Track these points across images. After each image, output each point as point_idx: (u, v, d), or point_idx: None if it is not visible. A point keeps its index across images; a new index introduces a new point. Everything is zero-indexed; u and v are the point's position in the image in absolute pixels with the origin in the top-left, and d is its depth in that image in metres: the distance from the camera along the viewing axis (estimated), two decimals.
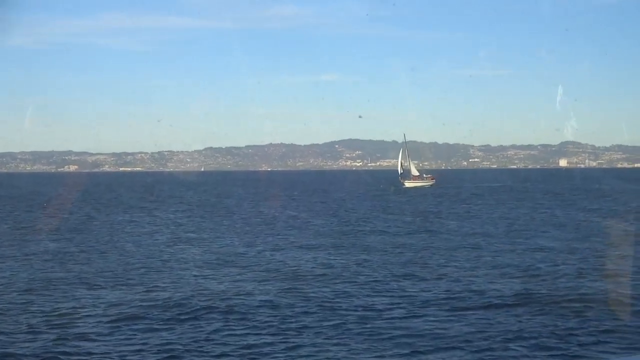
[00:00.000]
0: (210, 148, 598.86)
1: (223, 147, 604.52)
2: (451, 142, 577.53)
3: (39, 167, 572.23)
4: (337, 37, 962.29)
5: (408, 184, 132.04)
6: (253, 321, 22.49)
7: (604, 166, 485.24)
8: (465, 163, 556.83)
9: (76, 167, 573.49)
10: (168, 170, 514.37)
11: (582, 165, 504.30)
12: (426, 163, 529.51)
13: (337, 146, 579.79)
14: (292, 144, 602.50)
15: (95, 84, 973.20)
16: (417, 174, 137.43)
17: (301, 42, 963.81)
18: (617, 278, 29.43)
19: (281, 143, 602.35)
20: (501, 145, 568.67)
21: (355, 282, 29.31)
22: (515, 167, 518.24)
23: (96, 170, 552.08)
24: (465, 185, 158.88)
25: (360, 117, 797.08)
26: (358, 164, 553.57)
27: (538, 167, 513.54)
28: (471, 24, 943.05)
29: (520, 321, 21.87)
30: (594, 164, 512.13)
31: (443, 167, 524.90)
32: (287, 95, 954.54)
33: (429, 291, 27.15)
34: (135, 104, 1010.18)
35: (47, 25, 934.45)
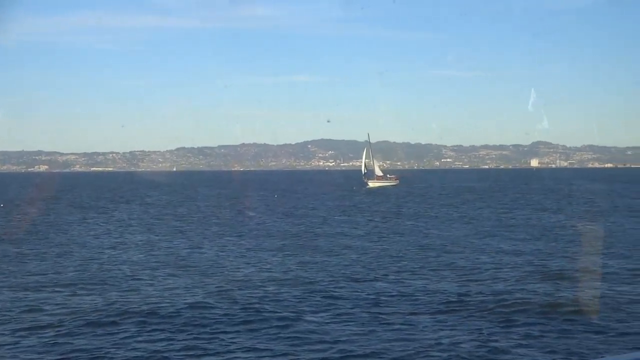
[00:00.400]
0: (183, 148, 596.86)
1: (195, 147, 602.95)
2: (423, 142, 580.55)
3: (8, 168, 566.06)
4: (309, 38, 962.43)
5: (372, 184, 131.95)
6: (171, 325, 21.68)
7: (575, 166, 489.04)
8: (437, 163, 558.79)
9: (47, 167, 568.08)
10: (140, 170, 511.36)
11: (554, 165, 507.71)
12: (398, 163, 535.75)
13: (309, 146, 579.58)
14: (264, 144, 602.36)
15: (65, 83, 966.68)
16: (381, 174, 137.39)
17: (274, 43, 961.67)
18: (558, 281, 28.94)
19: (254, 143, 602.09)
20: (473, 146, 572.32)
21: (290, 284, 28.54)
22: (487, 167, 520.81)
23: (67, 170, 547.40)
24: (432, 185, 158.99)
25: (328, 121, 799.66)
26: (331, 164, 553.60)
27: (510, 167, 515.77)
28: (444, 25, 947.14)
29: (442, 328, 21.17)
30: (565, 164, 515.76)
31: (415, 167, 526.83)
32: (260, 96, 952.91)
33: (361, 293, 26.49)
34: (106, 104, 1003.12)
35: (15, 23, 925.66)
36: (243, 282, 29.16)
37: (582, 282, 28.50)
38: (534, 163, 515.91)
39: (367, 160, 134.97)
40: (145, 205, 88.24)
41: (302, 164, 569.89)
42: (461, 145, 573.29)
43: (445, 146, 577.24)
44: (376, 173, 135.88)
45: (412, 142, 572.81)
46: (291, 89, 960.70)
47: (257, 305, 24.31)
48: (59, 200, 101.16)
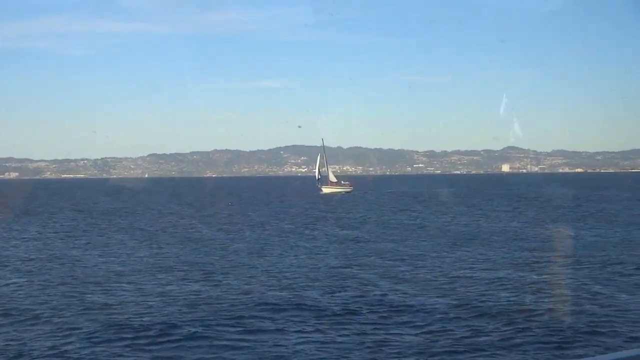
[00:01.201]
0: (154, 154, 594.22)
1: (167, 153, 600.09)
2: (396, 147, 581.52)
3: None
4: (281, 44, 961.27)
5: (325, 189, 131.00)
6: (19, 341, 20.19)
7: (546, 171, 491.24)
8: (409, 169, 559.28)
9: (17, 174, 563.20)
10: (112, 177, 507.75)
11: (525, 171, 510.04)
12: (371, 169, 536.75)
13: (282, 152, 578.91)
14: (237, 150, 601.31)
15: (36, 88, 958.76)
16: (335, 180, 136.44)
17: (245, 48, 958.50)
18: (463, 291, 27.77)
19: (226, 149, 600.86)
20: (444, 151, 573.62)
21: (177, 298, 27.11)
22: (458, 172, 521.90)
23: (37, 177, 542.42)
24: (391, 191, 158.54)
25: (299, 127, 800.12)
26: (303, 170, 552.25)
27: (481, 172, 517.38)
28: (414, 31, 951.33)
29: (308, 345, 19.87)
30: (535, 169, 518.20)
31: (388, 173, 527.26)
32: (232, 101, 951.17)
33: (248, 304, 25.07)
34: (77, 110, 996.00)
35: None
36: (127, 298, 27.69)
37: (487, 293, 27.29)
38: (505, 168, 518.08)
39: (320, 166, 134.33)
40: (88, 213, 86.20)
41: (274, 170, 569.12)
42: (433, 151, 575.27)
43: (417, 152, 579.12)
44: (330, 179, 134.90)
45: (385, 148, 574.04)
46: (263, 94, 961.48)
47: (127, 321, 22.92)
48: (7, 209, 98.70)
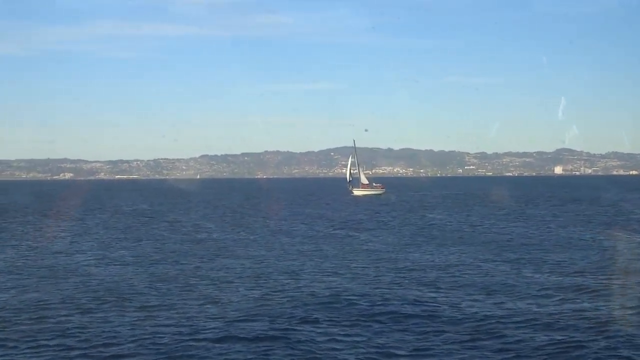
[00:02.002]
0: (206, 155, 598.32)
1: (219, 154, 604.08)
2: (447, 149, 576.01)
3: (34, 175, 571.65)
4: (331, 46, 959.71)
5: (357, 192, 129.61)
6: None
7: (600, 173, 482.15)
8: (460, 170, 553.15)
9: (71, 175, 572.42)
10: (164, 178, 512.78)
11: (578, 173, 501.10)
12: (421, 170, 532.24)
13: (332, 154, 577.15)
14: (288, 151, 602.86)
15: (90, 91, 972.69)
16: (367, 182, 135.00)
17: (296, 50, 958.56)
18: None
19: (277, 151, 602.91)
20: (496, 153, 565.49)
21: (136, 307, 26.25)
22: (510, 174, 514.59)
23: (91, 178, 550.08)
24: (429, 193, 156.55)
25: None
26: (353, 171, 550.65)
27: (534, 174, 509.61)
28: (468, 32, 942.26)
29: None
30: (589, 171, 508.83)
31: (439, 175, 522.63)
32: (283, 103, 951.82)
33: (200, 316, 24.03)
34: (131, 112, 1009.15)
35: (40, 33, 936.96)
36: (88, 306, 26.90)
37: (460, 305, 25.86)
38: (558, 170, 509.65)
39: (352, 168, 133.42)
40: (114, 213, 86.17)
41: (324, 171, 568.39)
42: (484, 153, 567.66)
43: (469, 153, 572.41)
44: (361, 181, 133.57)
45: (436, 150, 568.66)
46: (315, 97, 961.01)
47: (79, 327, 22.09)
48: (43, 208, 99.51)
